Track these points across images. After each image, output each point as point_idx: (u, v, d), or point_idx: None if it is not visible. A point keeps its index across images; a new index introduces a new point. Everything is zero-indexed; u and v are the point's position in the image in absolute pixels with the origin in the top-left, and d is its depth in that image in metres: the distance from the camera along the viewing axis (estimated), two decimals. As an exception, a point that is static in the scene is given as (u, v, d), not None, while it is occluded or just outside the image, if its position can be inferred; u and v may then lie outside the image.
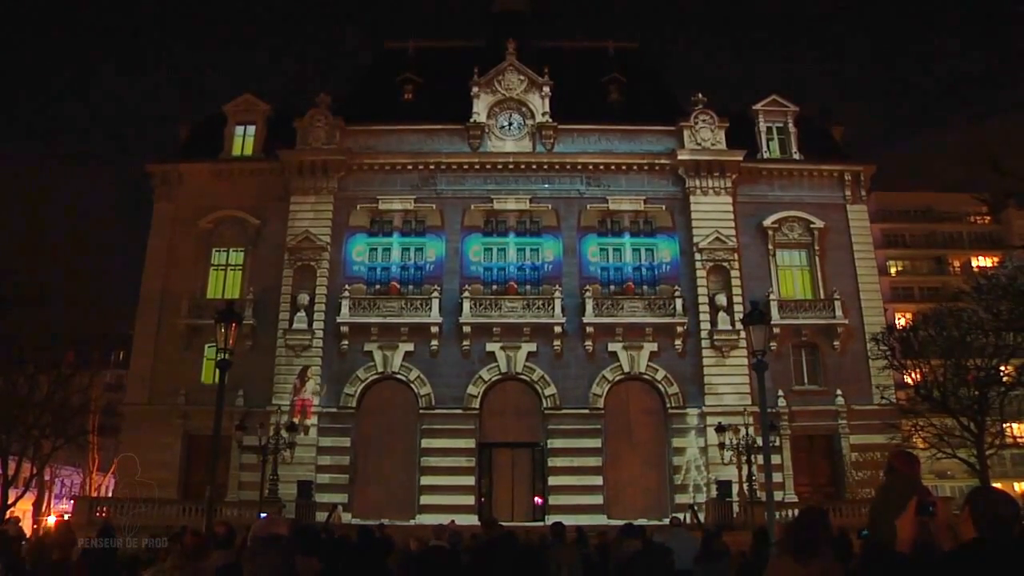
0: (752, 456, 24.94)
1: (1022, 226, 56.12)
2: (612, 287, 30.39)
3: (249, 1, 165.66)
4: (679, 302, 29.36)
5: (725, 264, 30.18)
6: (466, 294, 29.41)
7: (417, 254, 30.86)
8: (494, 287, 30.37)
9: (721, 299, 29.56)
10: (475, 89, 32.40)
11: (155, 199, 32.07)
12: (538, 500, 28.28)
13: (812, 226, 31.23)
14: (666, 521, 19.39)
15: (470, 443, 28.44)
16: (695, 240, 30.30)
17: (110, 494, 36.00)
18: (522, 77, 32.74)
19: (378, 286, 30.39)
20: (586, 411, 28.73)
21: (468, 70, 32.69)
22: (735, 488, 26.32)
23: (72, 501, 32.31)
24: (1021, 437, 41.88)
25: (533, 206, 31.19)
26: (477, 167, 31.61)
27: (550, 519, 20.67)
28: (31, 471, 32.90)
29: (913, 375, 28.23)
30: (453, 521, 18.61)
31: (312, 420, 28.04)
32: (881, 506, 4.73)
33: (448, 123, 32.24)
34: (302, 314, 29.22)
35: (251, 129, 33.05)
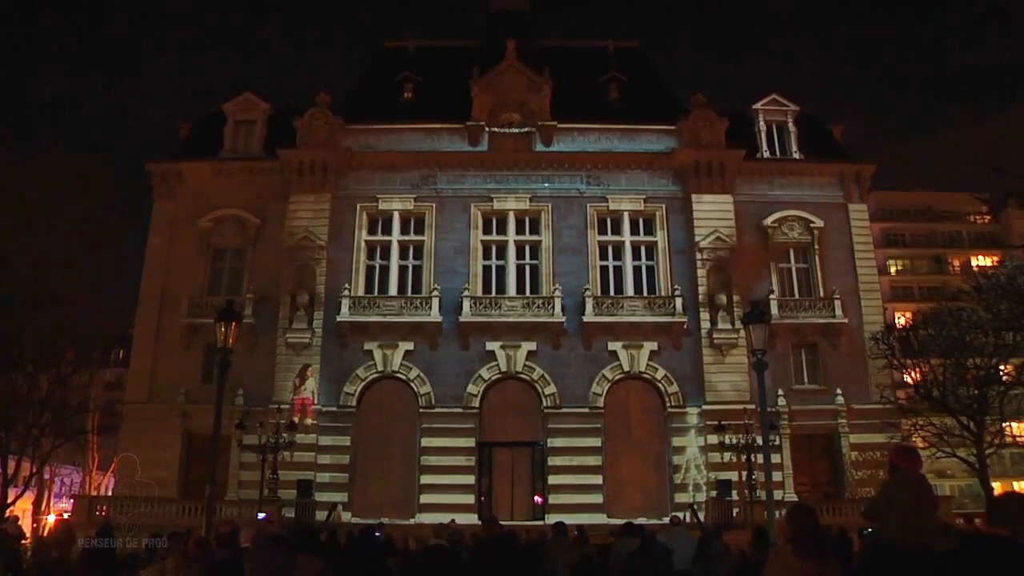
0: (752, 455, 24.91)
1: (1022, 226, 56.05)
2: (612, 286, 30.43)
3: (250, 1, 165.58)
4: (679, 301, 29.34)
5: (725, 263, 30.16)
6: (466, 293, 29.39)
7: (417, 253, 30.88)
8: (494, 286, 30.40)
9: (721, 298, 29.52)
10: (475, 88, 32.37)
11: (155, 198, 32.08)
12: (538, 499, 28.25)
13: (812, 225, 31.24)
14: (666, 520, 19.37)
15: (470, 442, 28.42)
16: (695, 239, 30.26)
17: (110, 493, 35.97)
18: (522, 76, 32.70)
19: (378, 285, 30.42)
20: (586, 410, 28.70)
21: (468, 69, 32.65)
22: (735, 487, 26.31)
23: (72, 500, 32.30)
24: (1020, 436, 41.94)
25: (533, 205, 31.19)
26: (477, 166, 31.61)
27: (550, 518, 20.73)
28: (31, 470, 32.90)
29: (913, 374, 28.27)
30: (454, 520, 18.58)
31: (312, 419, 28.02)
32: (885, 504, 4.72)
33: (448, 122, 32.20)
34: (302, 313, 29.18)
35: (251, 128, 33.07)
